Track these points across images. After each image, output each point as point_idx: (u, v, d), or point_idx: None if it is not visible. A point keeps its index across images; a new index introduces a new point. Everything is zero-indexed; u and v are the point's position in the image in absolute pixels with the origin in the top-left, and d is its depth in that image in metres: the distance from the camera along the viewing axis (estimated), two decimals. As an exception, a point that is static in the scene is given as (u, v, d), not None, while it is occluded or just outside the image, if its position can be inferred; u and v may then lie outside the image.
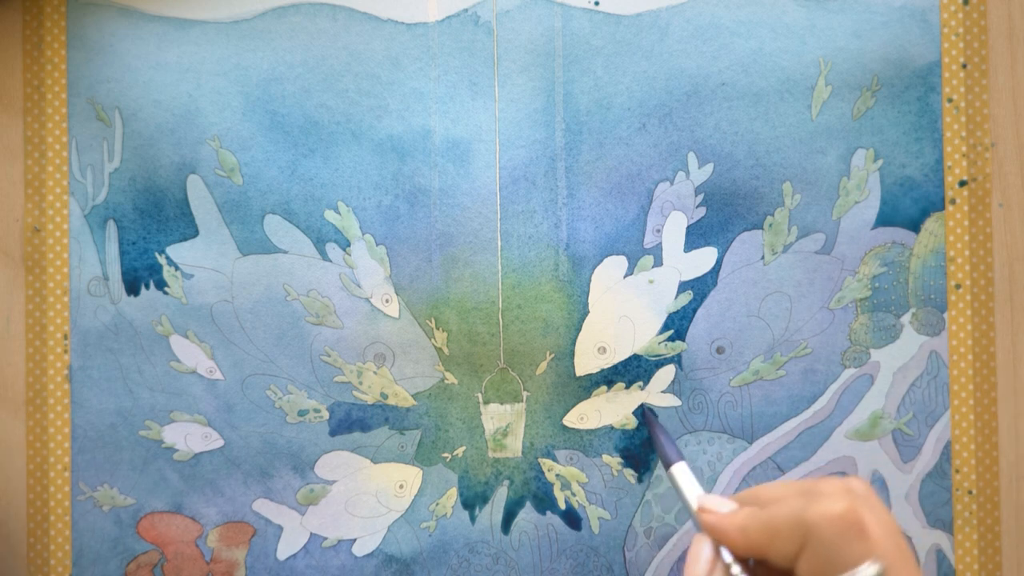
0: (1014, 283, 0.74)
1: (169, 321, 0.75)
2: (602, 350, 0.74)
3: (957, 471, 0.74)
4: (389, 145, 0.75)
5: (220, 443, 0.75)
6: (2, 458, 0.75)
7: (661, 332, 0.74)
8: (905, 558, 0.50)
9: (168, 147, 0.75)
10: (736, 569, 0.53)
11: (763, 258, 0.74)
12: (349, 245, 0.75)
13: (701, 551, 0.53)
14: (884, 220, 0.74)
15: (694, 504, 0.58)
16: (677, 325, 0.74)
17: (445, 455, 0.75)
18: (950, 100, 0.74)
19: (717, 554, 0.54)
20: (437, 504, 0.75)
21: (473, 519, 0.75)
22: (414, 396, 0.75)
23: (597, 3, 0.74)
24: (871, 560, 0.48)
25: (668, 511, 0.75)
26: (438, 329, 0.74)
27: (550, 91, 0.74)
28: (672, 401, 0.74)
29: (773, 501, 0.52)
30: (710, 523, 0.54)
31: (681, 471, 0.60)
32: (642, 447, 0.74)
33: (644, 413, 0.73)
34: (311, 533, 0.75)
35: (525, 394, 0.75)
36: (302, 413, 0.75)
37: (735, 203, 0.74)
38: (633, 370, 0.74)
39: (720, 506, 0.55)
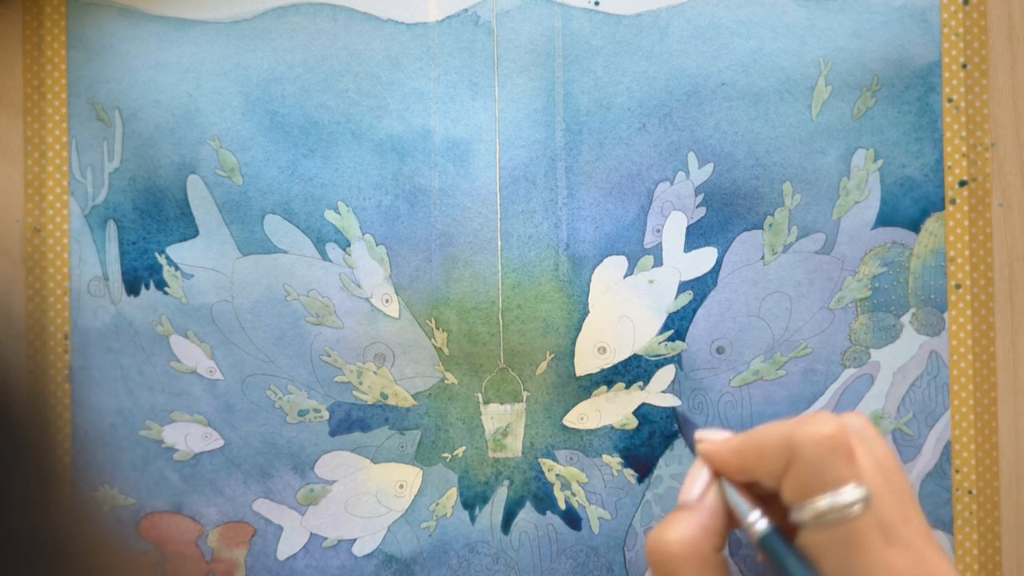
0: (1014, 283, 0.74)
1: (169, 321, 0.75)
2: (602, 350, 0.74)
3: (957, 471, 0.74)
4: (389, 145, 0.75)
5: (220, 443, 0.75)
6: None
7: (661, 332, 0.74)
8: (895, 491, 0.49)
9: (168, 147, 0.75)
10: (737, 498, 0.52)
11: (763, 258, 0.74)
12: (349, 245, 0.75)
13: (698, 474, 0.53)
14: (884, 220, 0.74)
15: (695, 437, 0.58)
16: (677, 325, 0.74)
17: (445, 455, 0.75)
18: (950, 100, 0.74)
19: (712, 480, 0.53)
20: (437, 504, 0.75)
21: (473, 519, 0.75)
22: (414, 396, 0.75)
23: (597, 3, 0.74)
24: (855, 483, 0.48)
25: (668, 511, 0.75)
26: (438, 329, 0.74)
27: (550, 91, 0.74)
28: (672, 401, 0.74)
29: (772, 428, 0.52)
30: (706, 449, 0.54)
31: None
32: (642, 447, 0.74)
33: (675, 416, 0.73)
34: (311, 533, 0.75)
35: (525, 394, 0.75)
36: (302, 413, 0.75)
37: (735, 203, 0.74)
38: (633, 370, 0.74)
39: (717, 435, 0.55)
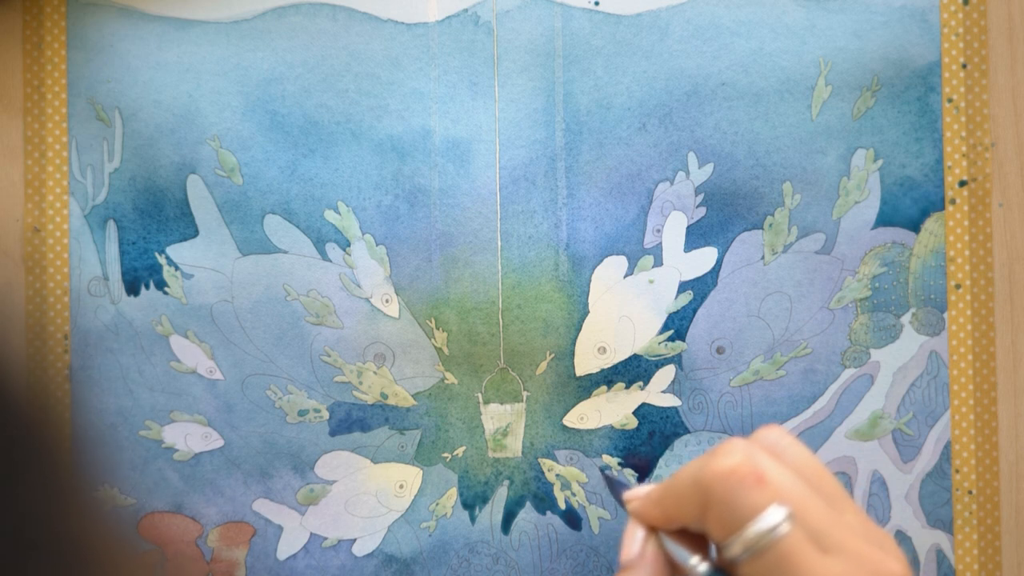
0: (1014, 283, 0.74)
1: (169, 321, 0.75)
2: (602, 350, 0.74)
3: (957, 471, 0.74)
4: (389, 145, 0.75)
5: (220, 443, 0.75)
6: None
7: (661, 332, 0.74)
8: (822, 494, 0.48)
9: (168, 147, 0.75)
10: (673, 546, 0.52)
11: (763, 258, 0.74)
12: (349, 245, 0.75)
13: (634, 532, 0.53)
14: (884, 220, 0.74)
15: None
16: (677, 325, 0.74)
17: (445, 455, 0.75)
18: (950, 100, 0.74)
19: (649, 534, 0.53)
20: (437, 504, 0.75)
21: (473, 519, 0.75)
22: (414, 396, 0.75)
23: (597, 3, 0.74)
24: (775, 504, 0.47)
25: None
26: (438, 329, 0.74)
27: (550, 91, 0.74)
28: (672, 401, 0.74)
29: (684, 472, 0.51)
30: (633, 508, 0.53)
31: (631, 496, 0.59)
32: (642, 447, 0.74)
33: (604, 477, 0.73)
34: (311, 533, 0.75)
35: (525, 394, 0.75)
36: (302, 413, 0.75)
37: (735, 203, 0.74)
38: (633, 370, 0.74)
39: (642, 490, 0.54)
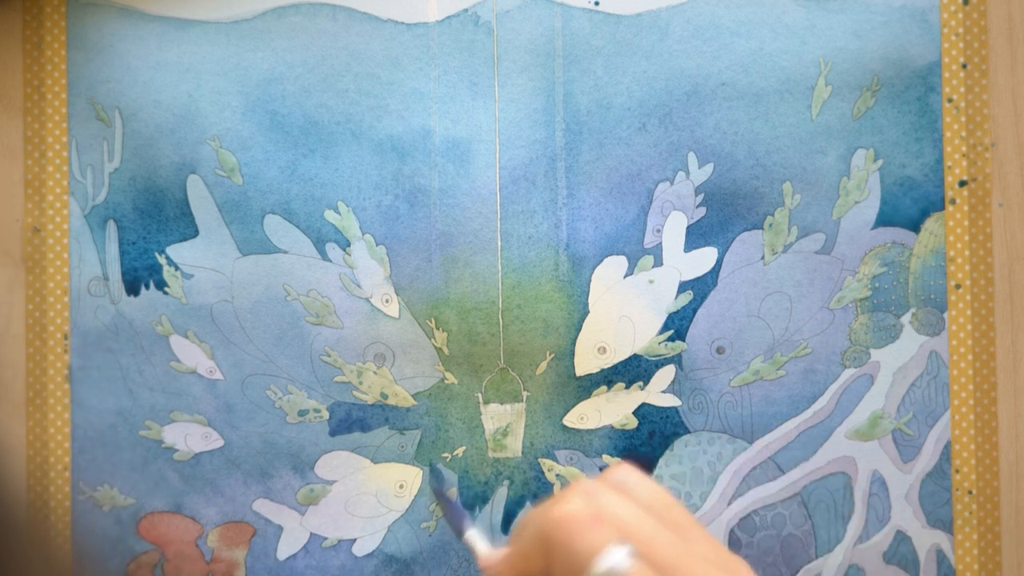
0: (1014, 283, 0.74)
1: (169, 321, 0.75)
2: (602, 350, 0.74)
3: (957, 471, 0.74)
4: (389, 145, 0.75)
5: (220, 443, 0.75)
6: (2, 458, 0.75)
7: (661, 332, 0.74)
8: (670, 526, 0.49)
9: (168, 147, 0.75)
10: None
11: (763, 258, 0.74)
12: (349, 245, 0.75)
13: None
14: (884, 220, 0.74)
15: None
16: (677, 325, 0.74)
17: (445, 455, 0.75)
18: (950, 100, 0.74)
19: None
20: (437, 504, 0.75)
21: (473, 519, 0.75)
22: (414, 396, 0.75)
23: (597, 3, 0.74)
24: (614, 543, 0.47)
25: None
26: (438, 329, 0.74)
27: (550, 91, 0.74)
28: (672, 401, 0.74)
29: (528, 525, 0.52)
30: (487, 567, 0.54)
31: (473, 537, 0.59)
32: (642, 447, 0.75)
33: (432, 489, 0.73)
34: (311, 533, 0.75)
35: (525, 394, 0.75)
36: (302, 413, 0.75)
37: (735, 203, 0.74)
38: (633, 370, 0.74)
39: (496, 554, 0.55)
